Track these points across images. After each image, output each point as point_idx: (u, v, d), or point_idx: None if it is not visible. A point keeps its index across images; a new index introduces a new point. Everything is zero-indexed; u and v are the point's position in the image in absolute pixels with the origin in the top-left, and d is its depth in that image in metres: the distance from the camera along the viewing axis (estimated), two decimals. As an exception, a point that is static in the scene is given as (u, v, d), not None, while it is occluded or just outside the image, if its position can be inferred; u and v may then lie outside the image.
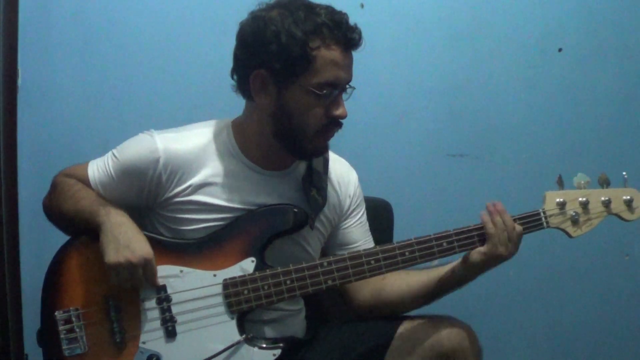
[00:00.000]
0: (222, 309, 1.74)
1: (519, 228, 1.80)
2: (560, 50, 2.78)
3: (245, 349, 1.74)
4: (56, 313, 1.71)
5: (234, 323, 1.74)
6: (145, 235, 1.75)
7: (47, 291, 1.76)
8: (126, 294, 1.73)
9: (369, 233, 2.02)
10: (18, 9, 2.29)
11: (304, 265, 1.77)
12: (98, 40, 2.43)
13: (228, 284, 1.75)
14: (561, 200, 1.87)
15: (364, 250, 1.82)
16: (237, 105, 1.85)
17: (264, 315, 1.83)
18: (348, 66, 1.75)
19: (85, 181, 1.82)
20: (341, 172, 1.97)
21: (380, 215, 2.20)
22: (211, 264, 1.76)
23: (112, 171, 1.79)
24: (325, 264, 1.78)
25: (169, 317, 1.73)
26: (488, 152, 2.77)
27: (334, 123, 1.77)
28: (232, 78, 1.82)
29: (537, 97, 2.78)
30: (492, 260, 1.80)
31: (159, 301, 1.73)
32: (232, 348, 1.73)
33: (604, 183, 1.90)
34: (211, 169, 1.79)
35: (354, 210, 1.98)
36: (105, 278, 1.70)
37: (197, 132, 1.84)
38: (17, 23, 2.30)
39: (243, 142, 1.83)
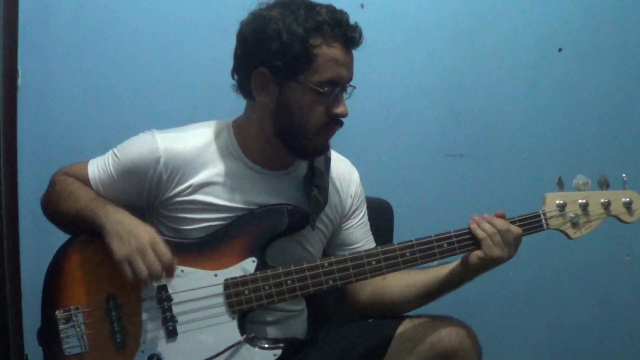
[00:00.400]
0: (223, 309, 1.74)
1: (516, 230, 1.80)
2: (560, 50, 2.79)
3: (246, 349, 1.74)
4: (57, 312, 1.70)
5: (234, 323, 1.74)
6: None
7: (47, 290, 1.76)
8: (127, 293, 1.72)
9: (370, 233, 2.02)
10: (18, 9, 2.29)
11: (305, 265, 1.77)
12: (98, 40, 2.42)
13: (229, 284, 1.75)
14: (561, 202, 1.87)
15: (365, 250, 1.82)
16: (238, 105, 1.85)
17: (265, 317, 1.83)
18: (349, 64, 1.75)
19: (84, 180, 1.81)
20: (343, 171, 1.97)
21: (380, 215, 2.20)
22: (212, 264, 1.76)
23: (112, 170, 1.79)
24: (326, 264, 1.78)
25: (169, 317, 1.73)
26: (488, 152, 2.77)
27: (335, 121, 1.77)
28: (233, 78, 1.82)
29: (537, 97, 2.79)
30: (490, 263, 1.79)
31: (160, 301, 1.73)
32: (233, 348, 1.73)
33: (604, 185, 1.90)
34: (212, 169, 1.79)
35: (355, 210, 1.98)
36: (107, 278, 1.70)
37: (198, 132, 1.84)
38: (17, 23, 2.30)
39: (244, 141, 1.83)
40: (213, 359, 1.72)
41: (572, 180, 1.90)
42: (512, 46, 2.75)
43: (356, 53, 1.78)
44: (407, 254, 1.80)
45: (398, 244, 1.81)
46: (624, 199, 1.90)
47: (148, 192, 1.78)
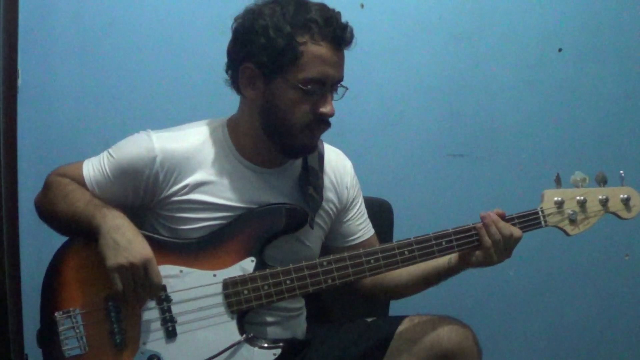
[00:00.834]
0: (222, 308, 1.74)
1: (517, 233, 1.81)
2: (560, 50, 2.78)
3: (246, 348, 1.74)
4: (56, 314, 1.70)
5: (234, 323, 1.74)
6: (145, 235, 1.74)
7: (46, 292, 1.75)
8: (126, 294, 1.73)
9: (368, 220, 2.03)
10: (18, 9, 2.29)
11: (304, 264, 1.77)
12: (98, 40, 2.42)
13: (228, 284, 1.75)
14: (559, 199, 1.87)
15: (364, 249, 1.82)
16: (236, 105, 1.86)
17: (264, 316, 1.83)
18: (337, 64, 1.74)
19: (79, 180, 1.80)
20: (337, 164, 1.97)
21: (380, 215, 2.20)
22: (211, 264, 1.76)
23: (108, 170, 1.79)
24: (325, 263, 1.78)
25: (169, 317, 1.73)
26: (488, 152, 2.77)
27: (321, 121, 1.76)
28: (227, 73, 1.82)
29: (537, 97, 2.78)
30: (486, 264, 1.84)
31: (159, 301, 1.73)
32: (233, 348, 1.73)
33: (602, 181, 1.90)
34: (208, 168, 1.79)
35: (353, 200, 1.99)
36: (106, 279, 1.69)
37: (194, 131, 1.84)
38: (17, 23, 2.30)
39: (238, 139, 1.83)
40: (213, 359, 1.72)
41: (570, 177, 1.90)
42: (512, 46, 2.75)
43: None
44: (406, 252, 1.81)
45: (397, 242, 1.81)
46: (621, 196, 1.91)
47: (144, 192, 1.78)
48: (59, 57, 2.40)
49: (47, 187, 1.84)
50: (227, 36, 1.80)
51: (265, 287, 1.75)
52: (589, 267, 2.89)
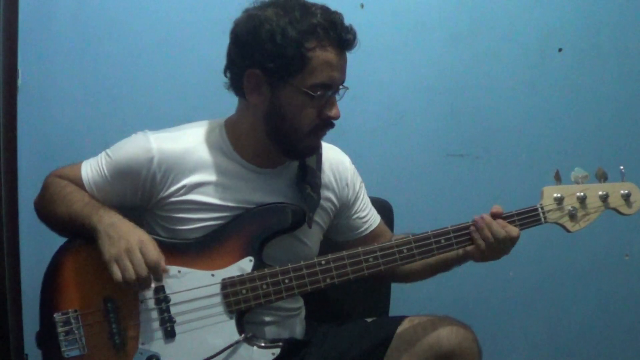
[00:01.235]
0: (220, 308, 1.74)
1: (514, 233, 1.81)
2: (560, 50, 2.78)
3: (245, 348, 1.74)
4: (55, 315, 1.71)
5: (232, 323, 1.74)
6: None
7: (45, 293, 1.76)
8: (125, 295, 1.72)
9: (373, 209, 2.04)
10: (18, 9, 2.29)
11: (302, 264, 1.77)
12: (98, 40, 2.42)
13: (226, 284, 1.75)
14: (559, 195, 1.87)
15: (362, 248, 1.81)
16: (236, 105, 1.85)
17: (263, 316, 1.83)
18: (342, 67, 1.74)
19: (78, 182, 1.81)
20: (335, 161, 1.96)
21: (380, 215, 2.20)
22: (209, 264, 1.76)
23: (105, 171, 1.79)
24: (323, 262, 1.78)
25: (167, 318, 1.73)
26: (488, 152, 2.77)
27: (327, 123, 1.76)
28: (225, 75, 1.81)
29: (537, 97, 2.78)
30: (486, 260, 1.85)
31: (158, 302, 1.73)
32: (232, 348, 1.73)
33: (602, 177, 1.90)
34: (205, 169, 1.79)
35: (355, 195, 1.99)
36: (105, 280, 1.69)
37: (191, 131, 1.84)
38: (17, 23, 2.30)
39: (236, 140, 1.82)
40: (212, 359, 1.72)
41: (569, 174, 1.89)
42: (512, 46, 2.75)
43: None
44: (405, 250, 1.81)
45: (395, 240, 1.82)
46: (622, 191, 1.90)
47: (142, 193, 1.78)
48: (59, 57, 2.40)
49: (46, 188, 1.84)
50: (227, 36, 1.79)
51: (264, 287, 1.75)
52: (589, 267, 2.89)
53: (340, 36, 1.70)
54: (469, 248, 1.84)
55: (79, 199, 1.76)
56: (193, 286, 1.74)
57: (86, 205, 1.75)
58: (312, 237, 1.90)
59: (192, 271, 1.75)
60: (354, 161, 2.02)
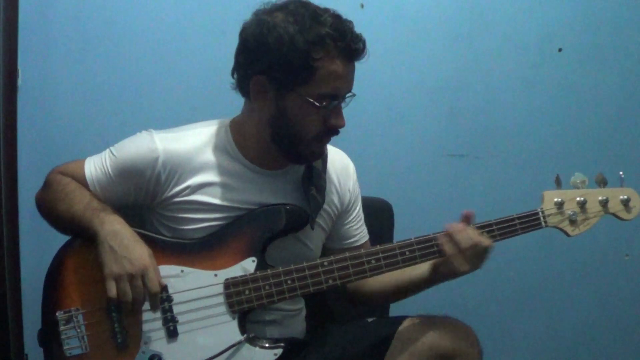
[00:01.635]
0: (223, 308, 1.74)
1: (486, 242, 1.77)
2: (560, 50, 2.78)
3: (247, 348, 1.74)
4: (57, 313, 1.70)
5: (235, 323, 1.74)
6: (146, 235, 1.75)
7: (48, 291, 1.75)
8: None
9: (365, 225, 2.03)
10: (18, 9, 2.29)
11: (305, 264, 1.77)
12: (98, 40, 2.42)
13: (229, 284, 1.75)
14: (559, 199, 1.88)
15: (365, 249, 1.82)
16: (238, 105, 1.85)
17: (264, 316, 1.83)
18: (349, 77, 1.74)
19: (81, 179, 1.80)
20: (341, 166, 1.97)
21: (380, 215, 2.20)
22: (212, 264, 1.76)
23: (110, 170, 1.79)
24: (326, 263, 1.78)
25: (170, 317, 1.73)
26: (488, 152, 2.77)
27: (331, 131, 1.76)
28: (233, 77, 1.81)
29: (537, 97, 2.78)
30: (454, 274, 1.81)
31: (161, 301, 1.73)
32: (234, 348, 1.73)
33: (601, 183, 1.91)
34: (210, 169, 1.79)
35: (353, 204, 1.99)
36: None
37: (196, 132, 1.83)
38: (17, 23, 2.30)
39: (241, 141, 1.82)
40: (214, 359, 1.72)
41: (569, 178, 1.90)
42: (512, 46, 2.75)
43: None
44: (407, 252, 1.80)
45: (397, 242, 1.81)
46: (621, 197, 1.91)
47: (146, 192, 1.78)
48: (59, 57, 2.40)
49: (48, 185, 1.84)
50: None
51: (267, 287, 1.75)
52: (589, 267, 2.89)
53: (349, 46, 1.69)
54: (441, 262, 1.81)
55: (80, 199, 1.76)
56: (196, 286, 1.74)
57: (87, 208, 1.74)
58: (314, 239, 1.90)
59: (195, 271, 1.75)
60: (354, 161, 2.02)
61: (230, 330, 1.74)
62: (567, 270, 2.88)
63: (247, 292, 1.75)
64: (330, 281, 1.78)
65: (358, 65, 1.76)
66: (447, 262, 1.78)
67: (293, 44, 1.65)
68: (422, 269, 1.86)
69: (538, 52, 2.77)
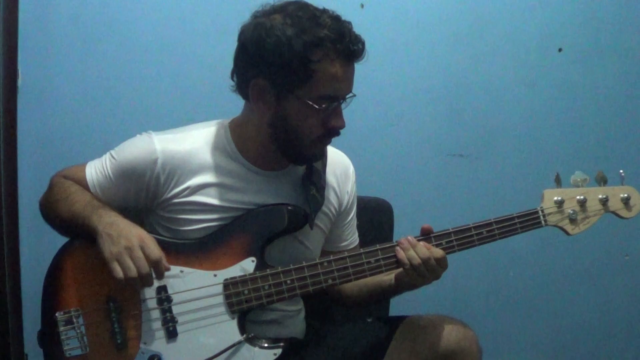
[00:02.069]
0: (222, 308, 1.74)
1: (438, 254, 1.77)
2: (560, 50, 2.79)
3: (246, 348, 1.74)
4: (57, 314, 1.70)
5: (234, 323, 1.74)
6: None
7: (47, 292, 1.75)
8: (127, 294, 1.72)
9: (356, 230, 2.04)
10: (18, 9, 2.29)
11: (304, 264, 1.77)
12: (98, 41, 2.42)
13: (229, 284, 1.75)
14: (559, 198, 1.87)
15: (364, 249, 1.81)
16: (238, 106, 1.85)
17: (263, 316, 1.83)
18: (348, 78, 1.73)
19: (82, 183, 1.81)
20: (341, 167, 1.96)
21: (380, 215, 2.21)
22: (211, 264, 1.75)
23: (110, 172, 1.79)
24: (325, 263, 1.78)
25: (169, 318, 1.73)
26: (488, 152, 2.77)
27: (332, 133, 1.76)
28: (232, 79, 1.81)
29: (537, 97, 2.79)
30: (413, 286, 1.83)
31: (160, 302, 1.73)
32: (233, 348, 1.73)
33: (602, 181, 1.90)
34: (209, 170, 1.79)
35: (349, 206, 1.99)
36: (107, 279, 1.69)
37: (195, 133, 1.83)
38: (17, 23, 2.30)
39: (241, 142, 1.82)
40: (213, 359, 1.72)
41: (570, 177, 1.90)
42: (512, 46, 2.75)
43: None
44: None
45: (396, 242, 1.81)
46: (621, 195, 1.91)
47: (146, 194, 1.78)
48: (59, 57, 2.40)
49: (51, 188, 1.84)
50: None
51: (266, 287, 1.75)
52: (589, 267, 2.89)
53: (347, 48, 1.68)
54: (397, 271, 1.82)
55: (81, 199, 1.76)
56: (195, 286, 1.73)
57: (87, 206, 1.74)
58: (313, 240, 1.89)
59: (195, 271, 1.75)
60: (354, 161, 2.02)
61: (229, 331, 1.74)
62: (567, 270, 2.88)
63: (246, 292, 1.75)
64: (330, 281, 1.78)
65: (358, 65, 1.76)
66: (405, 280, 1.82)
67: (291, 47, 1.65)
68: (389, 278, 1.88)
69: (538, 52, 2.78)
